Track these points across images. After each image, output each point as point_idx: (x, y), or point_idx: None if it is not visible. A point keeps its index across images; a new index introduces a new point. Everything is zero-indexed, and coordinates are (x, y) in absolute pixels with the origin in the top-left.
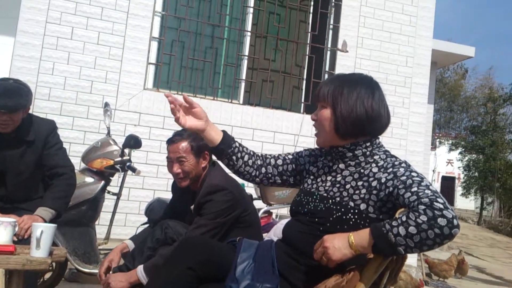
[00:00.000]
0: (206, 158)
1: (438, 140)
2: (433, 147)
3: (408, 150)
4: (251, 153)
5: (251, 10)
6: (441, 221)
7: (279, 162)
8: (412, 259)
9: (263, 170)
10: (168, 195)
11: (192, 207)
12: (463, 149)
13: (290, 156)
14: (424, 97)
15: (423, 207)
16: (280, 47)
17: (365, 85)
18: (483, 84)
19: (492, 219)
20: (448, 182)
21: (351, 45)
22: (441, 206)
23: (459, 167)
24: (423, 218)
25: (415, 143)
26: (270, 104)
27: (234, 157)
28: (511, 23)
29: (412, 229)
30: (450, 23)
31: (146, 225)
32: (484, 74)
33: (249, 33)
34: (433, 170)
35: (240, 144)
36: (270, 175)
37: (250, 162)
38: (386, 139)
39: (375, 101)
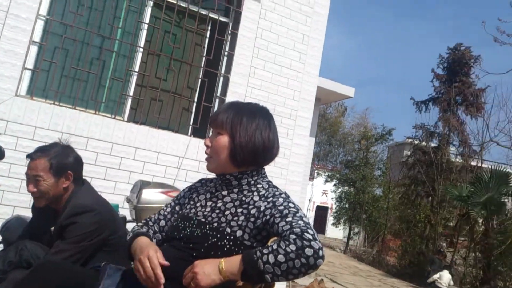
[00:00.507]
0: (68, 178)
1: (316, 171)
2: (311, 177)
3: (288, 180)
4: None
5: (146, 26)
6: (308, 251)
7: (163, 223)
8: (281, 286)
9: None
10: (29, 213)
11: (53, 228)
12: (337, 181)
13: (169, 209)
14: (307, 130)
15: (294, 236)
16: (173, 67)
17: (263, 115)
18: (359, 122)
19: (357, 248)
20: (321, 212)
21: (245, 74)
22: (310, 237)
23: (332, 198)
24: (292, 247)
25: (295, 173)
26: (157, 124)
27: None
28: (386, 69)
29: (280, 258)
30: (335, 62)
31: (0, 244)
32: (361, 114)
33: (141, 49)
34: (309, 200)
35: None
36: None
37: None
38: (269, 168)
39: (272, 132)
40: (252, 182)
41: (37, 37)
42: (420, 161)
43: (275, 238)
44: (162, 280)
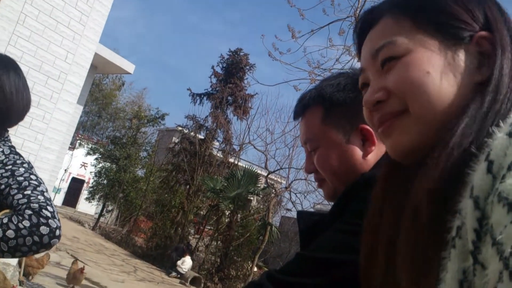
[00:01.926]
0: None
1: (79, 141)
2: (72, 147)
3: (43, 146)
4: None
5: None
6: (43, 230)
7: None
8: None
9: None
10: None
11: None
12: (100, 156)
13: None
14: (75, 97)
15: (30, 212)
16: None
17: (7, 67)
18: (135, 101)
19: (107, 226)
20: (77, 184)
21: (12, 19)
22: (49, 214)
23: (91, 172)
24: (26, 223)
25: (52, 141)
26: None
27: None
28: (172, 54)
29: (10, 233)
30: (121, 35)
31: None
32: (138, 92)
33: None
34: (65, 170)
35: None
36: None
37: None
38: (22, 129)
39: (10, 81)
40: None
41: None
42: (185, 149)
43: (7, 210)
44: None
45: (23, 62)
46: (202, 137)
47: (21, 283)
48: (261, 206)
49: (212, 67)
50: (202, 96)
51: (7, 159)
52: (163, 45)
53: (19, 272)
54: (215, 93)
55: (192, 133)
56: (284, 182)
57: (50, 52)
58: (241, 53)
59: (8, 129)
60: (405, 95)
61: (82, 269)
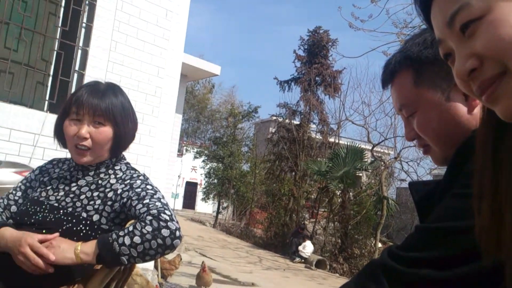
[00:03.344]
0: None
1: (185, 147)
2: (180, 154)
3: (154, 157)
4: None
5: None
6: (165, 232)
7: (14, 209)
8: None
9: None
10: None
11: None
12: (206, 158)
13: (19, 193)
14: (173, 107)
15: (150, 217)
16: (24, 37)
17: (126, 97)
18: (227, 100)
19: (226, 222)
20: (191, 187)
21: (105, 48)
22: (167, 217)
23: (201, 174)
24: (149, 228)
25: (161, 151)
26: (8, 98)
27: None
28: (253, 49)
29: (137, 239)
30: (204, 41)
31: None
32: (228, 91)
33: None
34: (179, 176)
35: None
36: None
37: None
38: (135, 146)
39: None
40: (110, 165)
41: None
42: (284, 138)
43: (133, 221)
44: (52, 256)
45: (123, 85)
46: (298, 123)
47: (160, 285)
48: (372, 181)
49: (294, 51)
50: (290, 82)
51: (125, 175)
52: (243, 41)
53: (157, 275)
54: (301, 77)
55: (287, 120)
56: (392, 152)
57: (143, 71)
58: (321, 31)
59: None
60: (501, 55)
61: (203, 269)
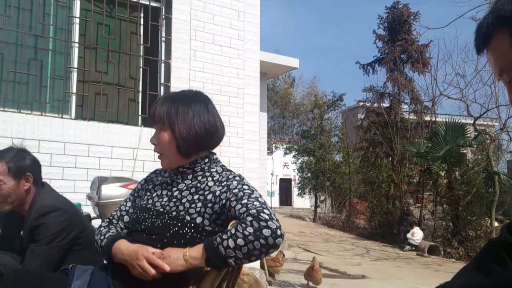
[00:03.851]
0: (28, 180)
1: (274, 145)
2: (270, 152)
3: (245, 158)
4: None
5: (77, 20)
6: (266, 232)
7: (126, 219)
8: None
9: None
10: None
11: (22, 232)
12: (296, 152)
13: (129, 204)
14: (256, 106)
15: (250, 218)
16: (112, 59)
17: (199, 100)
18: (309, 92)
19: (326, 215)
20: (285, 184)
21: (185, 58)
22: (267, 217)
23: (294, 169)
24: (250, 230)
25: (251, 151)
26: (105, 118)
27: None
28: (329, 36)
29: (240, 241)
30: (278, 35)
31: None
32: (309, 83)
33: (77, 44)
34: (272, 174)
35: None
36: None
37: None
38: (225, 148)
39: (210, 114)
40: (206, 168)
41: None
42: (374, 123)
43: (234, 221)
44: (167, 267)
45: (206, 90)
46: (387, 105)
47: (269, 283)
48: (479, 157)
49: (374, 31)
50: (373, 64)
51: (221, 176)
52: (317, 30)
53: (265, 273)
54: (385, 57)
55: (375, 104)
56: (497, 123)
57: (223, 74)
58: (400, 6)
59: (213, 151)
60: None
61: (312, 267)
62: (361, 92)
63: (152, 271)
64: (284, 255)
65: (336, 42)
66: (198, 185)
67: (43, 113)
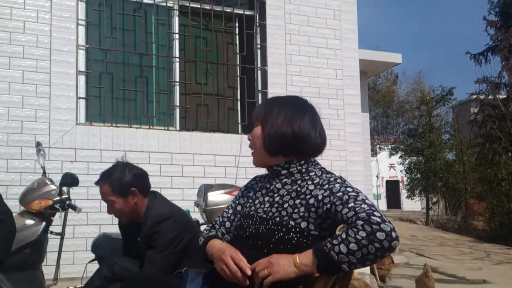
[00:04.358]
0: (135, 194)
1: (378, 146)
2: (374, 153)
3: (348, 160)
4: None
5: (177, 36)
6: (380, 235)
7: (228, 225)
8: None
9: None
10: (114, 229)
11: (138, 239)
12: (403, 153)
13: (231, 211)
14: (357, 107)
15: (361, 222)
16: (210, 71)
17: (295, 105)
18: (415, 88)
19: (439, 218)
20: (392, 186)
21: (281, 63)
22: (379, 219)
23: (401, 171)
24: (362, 234)
25: (354, 153)
26: (207, 127)
27: None
28: (433, 28)
29: (353, 246)
30: (377, 31)
31: (95, 262)
32: (414, 78)
33: (177, 59)
34: (377, 176)
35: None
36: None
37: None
38: (326, 151)
39: (304, 121)
40: (303, 170)
41: (81, 67)
42: (490, 116)
43: (342, 225)
44: (249, 271)
45: (304, 94)
46: (504, 96)
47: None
48: None
49: (484, 18)
50: (485, 53)
51: (321, 179)
52: (418, 22)
53: (376, 278)
54: (499, 44)
55: (490, 97)
56: None
57: (321, 76)
58: None
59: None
60: None
61: (426, 273)
62: (473, 84)
63: (235, 268)
64: (392, 260)
65: (440, 32)
66: (299, 189)
67: (151, 127)
